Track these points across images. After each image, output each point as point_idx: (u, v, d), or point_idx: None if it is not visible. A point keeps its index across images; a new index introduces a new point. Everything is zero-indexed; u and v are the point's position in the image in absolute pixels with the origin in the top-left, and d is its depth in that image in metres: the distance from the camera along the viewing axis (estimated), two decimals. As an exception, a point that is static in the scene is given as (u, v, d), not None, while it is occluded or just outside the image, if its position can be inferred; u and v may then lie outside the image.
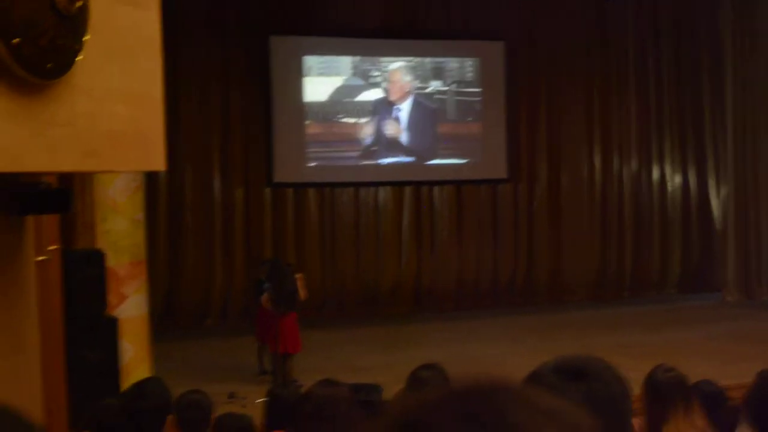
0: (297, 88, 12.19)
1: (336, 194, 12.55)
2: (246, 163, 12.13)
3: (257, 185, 12.19)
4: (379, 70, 12.51)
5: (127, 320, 8.24)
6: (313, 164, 12.34)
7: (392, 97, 12.58)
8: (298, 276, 8.70)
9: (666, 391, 3.23)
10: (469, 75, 12.91)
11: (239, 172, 12.09)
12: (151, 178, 11.38)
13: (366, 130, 12.48)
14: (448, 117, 12.88)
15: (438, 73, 12.78)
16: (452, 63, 12.86)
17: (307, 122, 12.29)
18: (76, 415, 4.81)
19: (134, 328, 8.49)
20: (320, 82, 12.31)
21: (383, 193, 12.75)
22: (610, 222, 13.68)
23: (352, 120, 12.46)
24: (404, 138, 12.65)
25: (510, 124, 13.08)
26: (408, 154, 12.66)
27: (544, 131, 13.35)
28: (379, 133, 12.53)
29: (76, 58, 2.67)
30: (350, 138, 12.46)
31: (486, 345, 10.39)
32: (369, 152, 12.51)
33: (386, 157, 12.54)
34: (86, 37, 2.71)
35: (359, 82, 12.45)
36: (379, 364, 9.48)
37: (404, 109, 12.63)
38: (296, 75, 12.18)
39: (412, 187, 12.85)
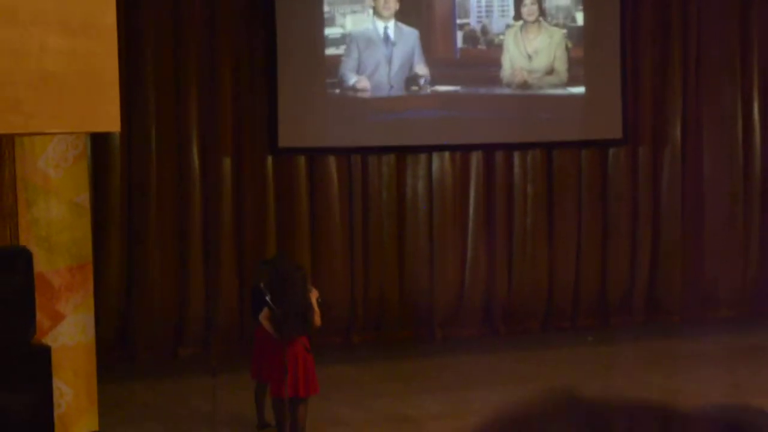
0: (312, 10, 12.18)
1: (370, 164, 12.52)
2: (238, 120, 12.12)
3: (254, 152, 12.19)
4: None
5: (64, 350, 8.27)
6: (336, 121, 12.32)
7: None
8: (311, 293, 8.68)
9: None
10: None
11: (228, 133, 12.08)
12: (99, 143, 11.43)
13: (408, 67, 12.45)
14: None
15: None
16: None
17: (327, 54, 12.26)
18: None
19: (74, 362, 8.53)
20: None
21: (438, 162, 12.65)
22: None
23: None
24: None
25: (626, 57, 12.96)
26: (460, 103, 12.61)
27: (678, 65, 13.19)
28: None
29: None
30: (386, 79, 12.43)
31: (591, 377, 10.40)
32: (413, 99, 12.48)
33: (427, 108, 12.48)
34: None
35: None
36: (433, 412, 9.44)
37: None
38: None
39: (480, 153, 12.77)
